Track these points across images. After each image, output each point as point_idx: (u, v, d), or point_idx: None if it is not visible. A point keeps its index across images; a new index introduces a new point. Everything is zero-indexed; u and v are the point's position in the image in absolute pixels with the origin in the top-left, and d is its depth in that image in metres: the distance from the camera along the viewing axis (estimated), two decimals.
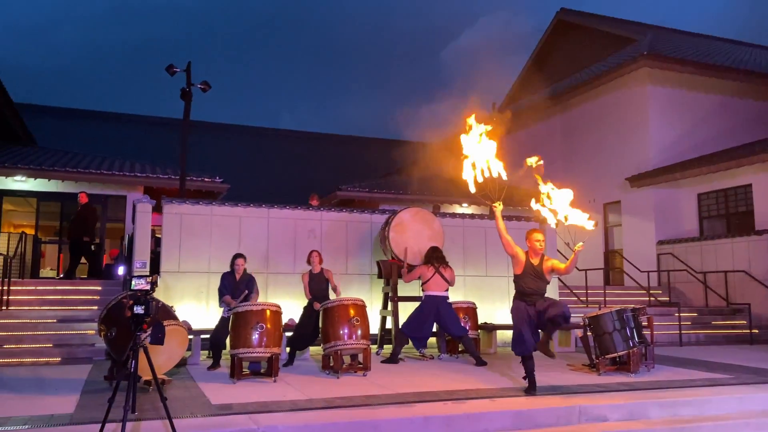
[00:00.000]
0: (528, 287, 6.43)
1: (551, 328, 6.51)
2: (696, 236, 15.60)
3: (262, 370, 7.27)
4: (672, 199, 16.19)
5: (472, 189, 6.50)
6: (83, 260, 13.51)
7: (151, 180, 15.70)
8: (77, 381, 6.80)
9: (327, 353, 7.47)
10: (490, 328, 10.27)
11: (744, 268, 13.69)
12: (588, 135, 18.63)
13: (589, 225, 6.25)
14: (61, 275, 10.56)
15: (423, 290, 8.87)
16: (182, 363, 7.92)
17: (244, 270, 7.90)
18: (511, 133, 18.86)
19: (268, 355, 6.92)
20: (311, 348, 8.99)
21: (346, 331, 7.32)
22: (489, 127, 6.55)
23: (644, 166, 16.37)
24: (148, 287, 4.69)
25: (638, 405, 5.87)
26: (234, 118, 43.53)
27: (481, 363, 8.28)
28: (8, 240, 15.44)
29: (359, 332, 7.37)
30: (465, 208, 18.16)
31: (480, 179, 6.49)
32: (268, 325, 6.92)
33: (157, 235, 11.93)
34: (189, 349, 8.10)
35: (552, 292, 11.38)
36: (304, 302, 8.47)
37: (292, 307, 9.52)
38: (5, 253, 11.79)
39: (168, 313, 6.87)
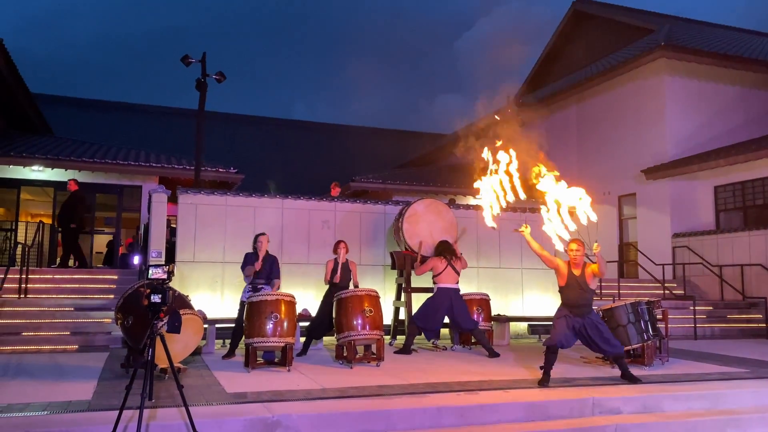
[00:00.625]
0: (573, 298, 6.41)
1: (619, 361, 6.60)
2: (712, 229, 15.45)
3: (276, 360, 7.33)
4: (688, 191, 16.03)
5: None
6: (81, 258, 13.42)
7: (167, 170, 15.80)
8: (94, 368, 6.89)
9: (340, 343, 7.50)
10: (503, 320, 10.27)
11: (761, 262, 13.55)
12: (604, 126, 18.47)
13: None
14: (56, 264, 10.58)
15: (435, 282, 8.88)
16: (197, 352, 7.99)
17: (267, 250, 7.93)
18: (526, 124, 18.75)
19: (282, 344, 6.97)
20: (325, 338, 9.04)
21: (359, 321, 7.34)
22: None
23: (660, 158, 16.21)
24: (165, 276, 4.73)
25: (652, 398, 5.85)
26: (248, 108, 43.68)
27: (493, 354, 8.29)
28: (26, 229, 15.64)
29: (372, 323, 7.39)
30: (479, 200, 18.08)
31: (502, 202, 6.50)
32: (283, 315, 6.97)
33: (172, 225, 12.02)
34: (204, 338, 8.19)
35: None
36: (319, 292, 8.51)
37: (306, 297, 9.58)
38: (23, 242, 11.95)
39: (183, 302, 6.94)
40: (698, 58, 16.13)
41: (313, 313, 8.59)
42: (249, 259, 7.84)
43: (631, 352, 7.60)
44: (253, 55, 79.87)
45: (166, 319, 4.83)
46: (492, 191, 6.56)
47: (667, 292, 13.81)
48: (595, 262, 6.42)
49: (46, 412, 4.72)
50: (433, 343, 9.29)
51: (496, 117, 19.36)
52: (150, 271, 4.77)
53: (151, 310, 4.62)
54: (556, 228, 6.49)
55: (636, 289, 14.08)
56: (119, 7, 77.81)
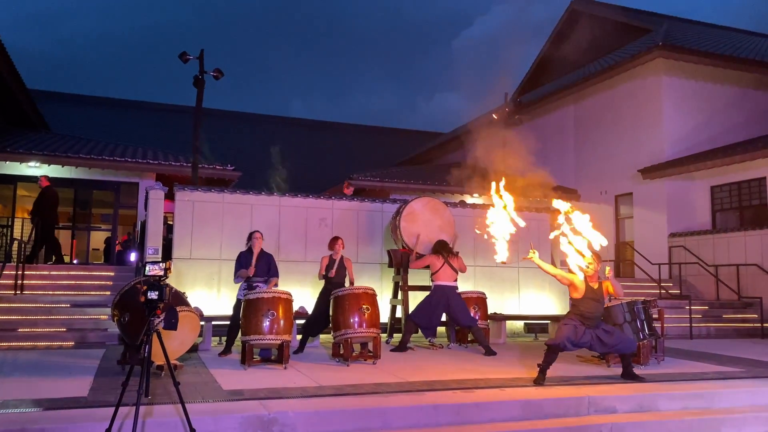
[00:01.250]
0: (588, 310, 6.39)
1: (627, 359, 6.61)
2: (708, 229, 15.49)
3: (273, 357, 7.32)
4: (685, 191, 16.07)
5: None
6: (71, 255, 13.30)
7: (163, 167, 15.77)
8: (90, 365, 6.88)
9: (337, 341, 7.51)
10: (500, 319, 10.29)
11: (756, 262, 13.59)
12: (601, 126, 18.49)
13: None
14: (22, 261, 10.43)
15: (432, 280, 8.89)
16: (193, 349, 7.99)
17: (262, 248, 7.93)
18: (524, 123, 18.78)
19: (279, 342, 6.97)
20: (321, 336, 9.05)
21: (356, 319, 7.35)
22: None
23: (657, 157, 16.24)
24: (162, 273, 4.72)
25: (648, 397, 5.87)
26: (246, 106, 43.62)
27: (490, 353, 8.30)
28: (22, 225, 15.61)
29: (369, 321, 7.39)
30: (476, 198, 18.11)
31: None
32: (279, 313, 6.97)
33: (169, 222, 12.01)
34: (200, 335, 8.18)
35: (562, 288, 11.37)
36: (315, 290, 8.51)
37: (303, 294, 9.58)
38: (20, 238, 11.92)
39: (180, 299, 6.93)
40: (695, 58, 16.14)
41: (310, 310, 8.60)
42: (242, 260, 7.83)
43: None
44: (250, 53, 79.76)
45: (162, 316, 4.82)
46: (499, 224, 6.56)
47: (663, 291, 13.85)
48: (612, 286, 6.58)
49: (41, 409, 4.71)
50: (429, 341, 9.30)
51: (494, 116, 19.44)
52: (147, 268, 4.76)
53: (147, 306, 4.61)
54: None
55: (632, 289, 14.10)
56: (117, 4, 77.65)
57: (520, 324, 11.48)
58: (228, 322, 8.12)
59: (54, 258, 12.89)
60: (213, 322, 8.72)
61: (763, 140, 14.64)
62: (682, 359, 8.24)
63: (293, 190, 10.90)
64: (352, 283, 8.18)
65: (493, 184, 6.76)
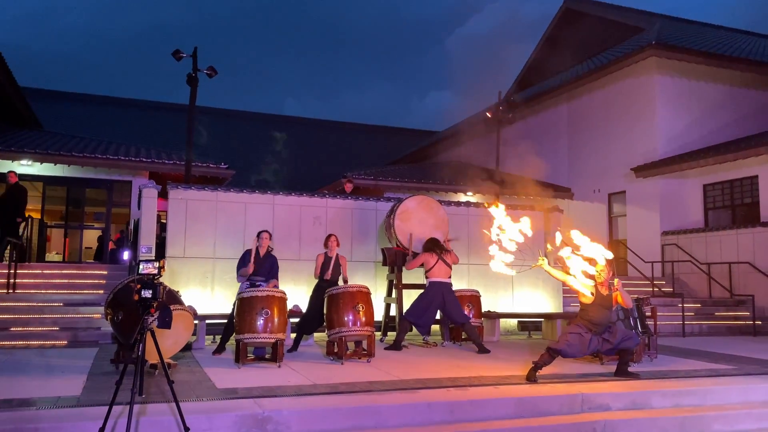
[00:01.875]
0: (597, 317, 6.38)
1: (626, 356, 6.63)
2: (701, 227, 15.56)
3: (267, 356, 7.32)
4: (677, 189, 16.14)
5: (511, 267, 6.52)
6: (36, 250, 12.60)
7: (157, 165, 15.72)
8: (84, 364, 6.86)
9: (331, 339, 7.51)
10: (494, 316, 10.31)
11: (748, 260, 13.67)
12: (594, 124, 18.55)
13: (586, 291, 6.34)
14: None
15: (427, 277, 8.90)
16: (187, 347, 7.97)
17: (268, 247, 7.92)
18: (517, 122, 18.81)
19: (273, 340, 6.97)
20: (316, 334, 9.04)
21: (350, 317, 7.35)
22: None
23: (650, 156, 16.30)
24: (155, 271, 4.71)
25: (641, 394, 5.89)
26: (240, 104, 43.51)
27: (483, 351, 8.32)
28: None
29: (363, 319, 7.40)
30: (470, 197, 18.14)
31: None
32: (273, 311, 6.97)
33: (162, 221, 11.98)
34: (194, 333, 8.16)
35: (555, 286, 11.42)
36: (310, 288, 8.51)
37: (298, 293, 9.57)
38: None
39: (174, 297, 6.92)
40: (688, 57, 16.21)
41: (304, 309, 8.59)
42: (248, 256, 7.82)
43: None
44: (244, 51, 79.58)
45: (156, 315, 4.81)
46: (500, 243, 6.53)
47: (656, 289, 13.91)
48: (621, 296, 6.65)
49: (34, 408, 4.70)
50: (423, 340, 9.31)
51: (488, 114, 19.44)
52: (140, 267, 4.75)
53: (141, 305, 4.60)
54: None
55: (625, 287, 14.09)
56: (110, 1, 77.26)
57: (513, 322, 11.51)
58: (223, 321, 8.10)
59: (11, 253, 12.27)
60: (207, 321, 8.70)
61: (755, 139, 14.72)
62: (675, 357, 8.28)
63: (287, 189, 10.88)
64: (345, 282, 8.18)
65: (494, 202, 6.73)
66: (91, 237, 18.65)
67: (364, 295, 7.56)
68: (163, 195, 10.24)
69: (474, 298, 9.69)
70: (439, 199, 10.87)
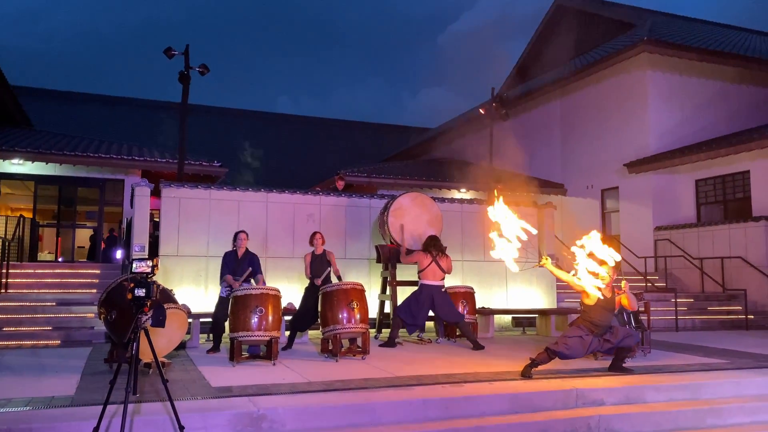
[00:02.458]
0: (599, 319, 6.38)
1: (624, 353, 6.65)
2: (693, 222, 15.63)
3: (261, 354, 7.32)
4: (670, 185, 16.20)
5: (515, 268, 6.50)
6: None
7: (149, 163, 15.66)
8: (77, 363, 6.83)
9: (326, 337, 7.50)
10: (488, 313, 10.33)
11: (741, 254, 13.75)
12: (587, 120, 18.59)
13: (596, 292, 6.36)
14: None
15: (419, 278, 8.90)
16: (181, 346, 7.96)
17: (247, 248, 7.90)
18: (510, 119, 18.82)
19: (267, 338, 6.95)
20: (310, 332, 9.04)
21: (345, 315, 7.35)
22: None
23: (643, 152, 16.35)
24: (149, 270, 4.69)
25: (635, 389, 5.92)
26: (232, 101, 43.35)
27: (478, 347, 8.34)
28: (6, 223, 15.43)
29: (358, 316, 7.40)
30: (463, 193, 18.16)
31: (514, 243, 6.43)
32: (268, 309, 6.95)
33: (155, 219, 11.93)
34: (188, 332, 8.14)
35: (549, 282, 11.45)
36: (303, 286, 8.50)
37: (291, 290, 9.56)
38: (3, 236, 11.79)
39: (168, 296, 6.90)
40: (680, 52, 16.26)
41: (298, 306, 8.58)
42: (228, 259, 7.79)
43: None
44: (237, 48, 79.32)
45: (150, 314, 4.79)
46: (506, 242, 6.49)
47: (649, 284, 13.97)
48: (628, 299, 6.72)
49: (28, 408, 4.68)
50: (418, 336, 9.32)
51: (481, 111, 19.48)
52: (134, 265, 4.73)
53: (135, 304, 4.58)
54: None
55: (618, 282, 14.21)
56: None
57: (508, 318, 11.53)
58: None
59: None
60: (201, 319, 8.68)
61: (747, 134, 14.79)
62: (669, 351, 8.32)
63: (280, 186, 10.86)
64: (338, 276, 8.17)
65: (496, 193, 6.68)
66: (83, 236, 18.58)
67: (359, 293, 7.56)
68: (155, 193, 10.20)
69: (468, 295, 9.70)
70: (432, 196, 10.88)
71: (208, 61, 13.92)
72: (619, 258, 6.53)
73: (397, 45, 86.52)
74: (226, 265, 7.76)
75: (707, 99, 16.88)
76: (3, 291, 10.02)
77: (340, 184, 12.18)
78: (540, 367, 6.32)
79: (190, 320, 8.01)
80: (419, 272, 8.90)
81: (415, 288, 8.98)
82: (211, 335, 8.50)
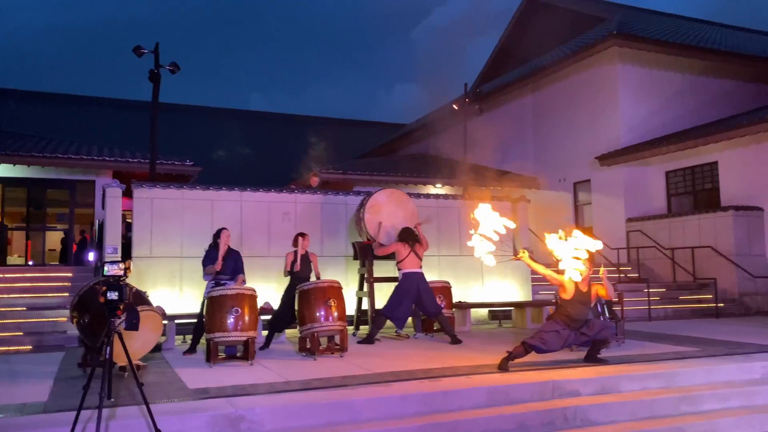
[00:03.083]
0: (576, 313, 6.43)
1: (600, 344, 6.72)
2: (664, 213, 15.90)
3: (239, 354, 7.26)
4: (641, 177, 16.46)
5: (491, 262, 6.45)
6: None
7: (120, 164, 15.44)
8: (49, 369, 6.70)
9: (304, 335, 7.47)
10: (465, 307, 10.39)
11: (710, 244, 14.02)
12: (559, 114, 18.78)
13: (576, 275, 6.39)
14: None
15: (399, 269, 8.91)
16: (157, 348, 7.85)
17: (229, 245, 7.82)
18: (484, 114, 18.94)
19: (244, 338, 6.90)
20: (287, 331, 8.99)
21: (322, 313, 7.32)
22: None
23: (614, 144, 16.58)
24: (121, 273, 4.63)
25: (609, 379, 6.00)
26: (204, 99, 42.92)
27: (456, 341, 8.38)
28: None
29: (335, 314, 7.38)
30: (439, 189, 18.22)
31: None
32: (244, 309, 6.90)
33: (127, 220, 11.77)
34: (163, 334, 8.05)
35: (525, 275, 11.56)
36: (280, 285, 8.45)
37: (268, 290, 9.50)
38: None
39: (142, 298, 6.80)
40: (649, 46, 16.51)
41: (275, 306, 8.53)
42: (210, 255, 7.71)
43: None
44: (207, 46, 78.43)
45: (123, 317, 4.73)
46: (482, 239, 6.51)
47: (622, 275, 14.18)
48: (604, 286, 6.74)
49: (0, 416, 4.58)
50: (396, 332, 9.33)
51: (454, 107, 19.55)
52: (106, 268, 4.66)
53: (108, 307, 4.51)
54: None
55: (592, 274, 14.39)
56: None
57: (484, 311, 11.61)
58: (193, 321, 7.99)
59: None
60: (176, 321, 8.59)
61: (714, 126, 15.08)
62: (642, 341, 8.45)
63: (255, 185, 10.77)
64: (317, 278, 8.14)
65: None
66: (54, 239, 18.25)
67: (336, 290, 7.54)
68: (127, 194, 10.05)
69: (445, 290, 9.75)
70: (408, 192, 10.88)
71: (178, 58, 13.74)
72: (600, 245, 6.58)
73: (370, 40, 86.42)
74: (209, 259, 7.64)
75: (675, 91, 17.17)
76: None
77: (315, 182, 12.12)
78: (517, 360, 6.38)
79: (165, 322, 7.93)
80: (399, 263, 8.90)
81: (394, 284, 8.98)
82: (187, 337, 8.42)
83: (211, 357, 6.82)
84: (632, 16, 20.37)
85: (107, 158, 15.30)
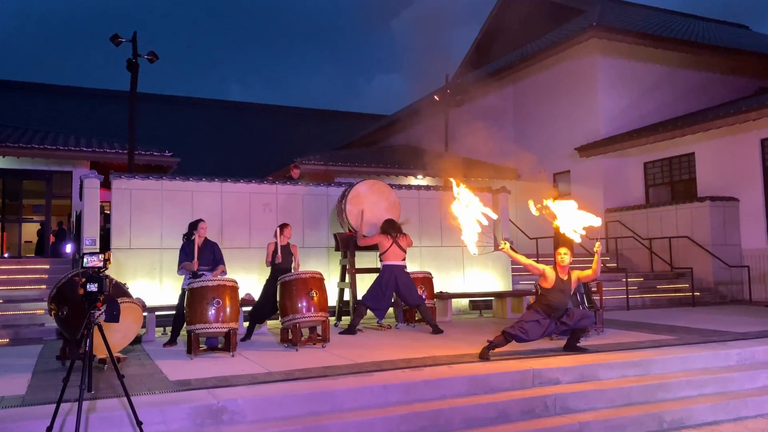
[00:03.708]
0: (556, 302, 6.48)
1: (579, 333, 6.79)
2: (642, 204, 16.09)
3: (220, 346, 7.24)
4: (620, 168, 16.63)
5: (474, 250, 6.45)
6: None
7: (98, 154, 15.24)
8: (27, 362, 6.63)
9: (285, 326, 7.47)
10: (446, 297, 10.45)
11: (687, 234, 14.23)
12: (539, 106, 18.89)
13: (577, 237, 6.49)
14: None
15: (381, 260, 8.93)
16: (137, 341, 7.80)
17: (206, 237, 7.77)
18: (464, 104, 18.98)
19: (226, 330, 6.88)
20: (269, 322, 8.98)
21: (304, 303, 7.32)
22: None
23: (593, 136, 16.72)
24: (101, 264, 4.58)
25: (588, 367, 6.09)
26: (183, 89, 42.45)
27: (437, 331, 8.43)
28: None
29: (317, 305, 7.38)
30: (420, 180, 18.25)
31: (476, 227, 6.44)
32: (225, 300, 6.87)
33: (106, 212, 11.63)
34: (144, 326, 8.00)
35: (505, 266, 11.64)
36: (261, 276, 8.43)
37: (249, 281, 9.48)
38: None
39: (121, 290, 6.73)
40: (627, 38, 16.63)
41: (256, 297, 8.51)
42: (186, 250, 7.64)
43: None
44: (186, 35, 77.48)
45: (103, 309, 4.68)
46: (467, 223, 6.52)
47: (601, 265, 14.32)
48: (592, 265, 6.83)
49: None
50: (378, 323, 9.36)
51: (435, 98, 19.57)
52: (85, 260, 4.60)
53: (87, 299, 4.47)
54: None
55: (572, 264, 14.52)
56: None
57: (465, 302, 11.69)
58: (173, 312, 7.94)
59: None
60: (156, 313, 8.53)
61: (691, 117, 15.26)
62: (620, 330, 8.57)
63: (236, 176, 10.70)
64: (296, 267, 8.13)
65: (454, 182, 6.70)
66: (30, 230, 17.98)
67: (317, 281, 7.54)
68: (105, 185, 9.93)
69: (427, 280, 9.79)
70: (390, 183, 10.89)
71: (156, 48, 13.60)
72: (599, 222, 6.65)
73: (350, 30, 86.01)
74: (185, 254, 7.60)
75: (654, 83, 17.34)
76: None
77: (296, 173, 12.06)
78: (497, 349, 6.44)
79: (145, 314, 7.87)
80: (381, 254, 8.92)
81: (375, 275, 9.01)
82: (167, 328, 8.36)
83: (192, 348, 6.79)
84: (611, 7, 20.50)
85: (84, 149, 15.09)
